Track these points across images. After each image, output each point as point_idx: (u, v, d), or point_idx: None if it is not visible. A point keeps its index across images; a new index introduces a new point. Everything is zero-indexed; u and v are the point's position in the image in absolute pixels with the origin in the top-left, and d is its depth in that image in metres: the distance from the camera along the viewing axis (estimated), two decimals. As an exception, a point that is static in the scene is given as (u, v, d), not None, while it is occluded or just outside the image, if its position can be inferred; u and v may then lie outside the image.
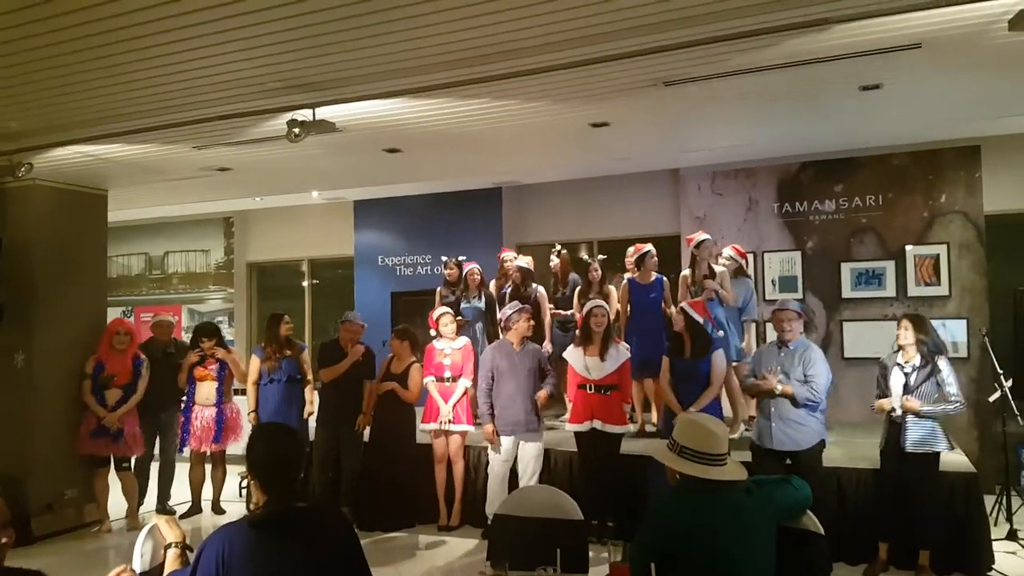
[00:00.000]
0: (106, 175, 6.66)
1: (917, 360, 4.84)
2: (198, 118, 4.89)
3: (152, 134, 5.26)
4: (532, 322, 5.88)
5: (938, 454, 4.79)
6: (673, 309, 6.15)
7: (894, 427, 4.85)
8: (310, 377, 6.62)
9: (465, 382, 6.07)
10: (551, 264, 7.31)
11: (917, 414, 4.72)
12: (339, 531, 2.37)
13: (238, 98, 4.57)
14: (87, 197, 7.01)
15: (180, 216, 10.32)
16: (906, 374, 4.84)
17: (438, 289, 7.39)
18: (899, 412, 4.80)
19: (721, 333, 5.82)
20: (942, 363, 4.80)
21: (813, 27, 3.58)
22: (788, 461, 4.90)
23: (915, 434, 4.74)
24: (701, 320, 5.29)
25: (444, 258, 7.43)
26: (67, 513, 6.50)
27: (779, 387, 4.90)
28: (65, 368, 6.49)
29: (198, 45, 3.74)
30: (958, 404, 4.72)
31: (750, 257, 7.69)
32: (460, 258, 7.28)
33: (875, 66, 4.24)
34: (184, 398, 6.70)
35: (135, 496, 6.60)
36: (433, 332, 6.34)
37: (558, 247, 7.41)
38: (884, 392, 4.95)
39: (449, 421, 6.00)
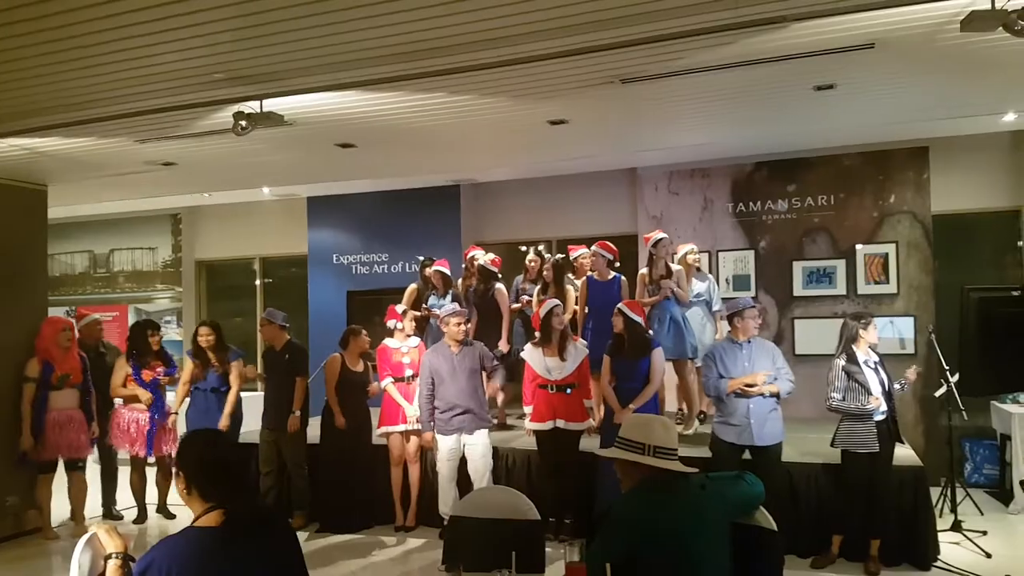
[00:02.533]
0: (44, 169, 6.39)
1: (875, 356, 5.00)
2: (139, 110, 4.69)
3: (91, 127, 5.04)
4: (465, 324, 5.80)
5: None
6: None
7: (882, 425, 4.88)
8: (235, 389, 6.41)
9: None
10: (528, 262, 7.20)
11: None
12: (286, 535, 2.30)
13: (181, 89, 4.38)
14: (24, 192, 6.73)
15: (126, 212, 10.00)
16: (873, 370, 4.95)
17: (409, 286, 7.26)
18: (884, 407, 4.89)
19: (650, 333, 5.83)
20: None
21: (769, 25, 3.58)
22: (747, 455, 4.95)
23: (897, 426, 4.96)
24: (639, 320, 5.36)
25: (420, 257, 7.30)
26: (6, 521, 6.23)
27: (767, 387, 4.92)
28: (6, 372, 6.21)
29: (138, 33, 3.57)
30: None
31: (704, 256, 7.78)
32: (432, 258, 7.16)
33: (829, 66, 4.28)
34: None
35: (84, 500, 6.40)
36: (395, 325, 6.20)
37: (540, 248, 7.35)
38: (859, 391, 4.88)
39: (417, 420, 5.89)
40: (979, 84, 4.89)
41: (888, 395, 4.91)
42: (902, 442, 5.07)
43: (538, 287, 6.83)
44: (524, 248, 7.43)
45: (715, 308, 6.54)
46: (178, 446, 2.30)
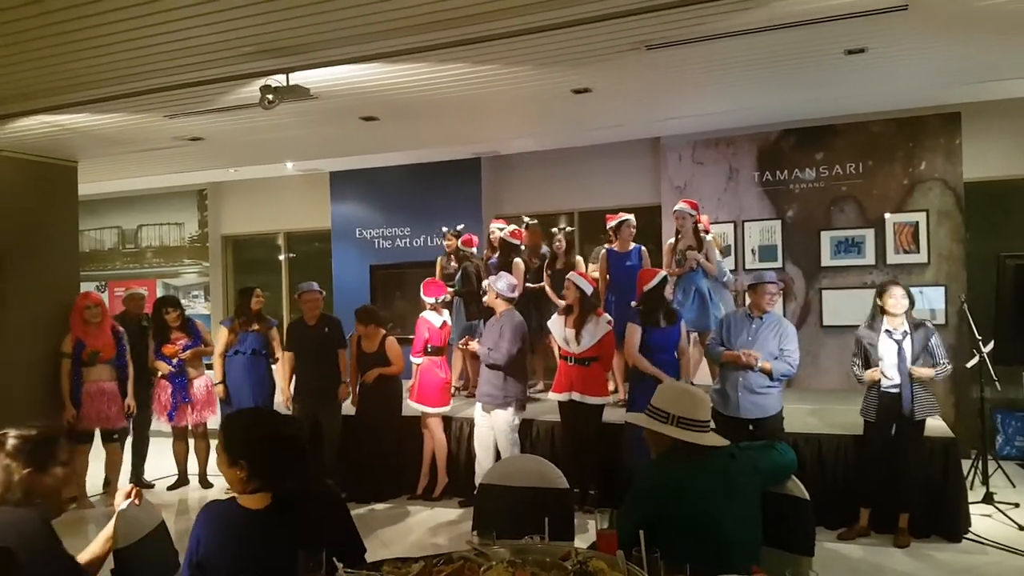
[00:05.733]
0: (75, 146, 6.47)
1: (906, 326, 4.86)
2: (168, 85, 4.73)
3: (121, 102, 5.09)
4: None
5: (924, 420, 4.88)
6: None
7: (885, 396, 4.85)
8: (278, 355, 6.57)
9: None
10: (554, 245, 7.15)
11: (922, 380, 4.77)
12: (335, 511, 2.29)
13: (209, 63, 4.41)
14: (56, 169, 6.81)
15: (153, 189, 10.09)
16: (897, 341, 4.84)
17: (439, 259, 7.32)
18: (896, 380, 4.80)
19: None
20: (931, 328, 4.90)
21: (799, -13, 3.51)
22: (751, 428, 4.95)
23: (922, 401, 4.80)
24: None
25: (444, 229, 7.27)
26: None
27: (758, 363, 4.90)
28: (39, 346, 6.34)
29: (166, 7, 3.59)
30: (948, 366, 4.86)
31: (731, 227, 7.71)
32: (458, 227, 7.16)
33: (861, 29, 4.19)
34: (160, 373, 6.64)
35: (119, 470, 6.56)
36: (438, 300, 6.24)
37: (527, 219, 7.30)
38: (869, 362, 4.94)
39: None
40: (1014, 47, 4.76)
41: (901, 368, 4.79)
42: (913, 419, 4.83)
43: (547, 259, 6.85)
44: (526, 221, 7.31)
45: (724, 278, 6.48)
46: (223, 424, 2.24)
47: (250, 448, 2.14)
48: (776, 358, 4.94)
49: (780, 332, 4.99)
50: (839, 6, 3.83)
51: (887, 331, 4.89)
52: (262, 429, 2.20)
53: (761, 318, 5.03)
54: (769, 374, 4.90)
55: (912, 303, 4.92)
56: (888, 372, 4.83)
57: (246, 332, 6.43)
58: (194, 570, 2.14)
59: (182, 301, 7.51)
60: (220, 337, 6.51)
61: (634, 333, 5.40)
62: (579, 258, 6.86)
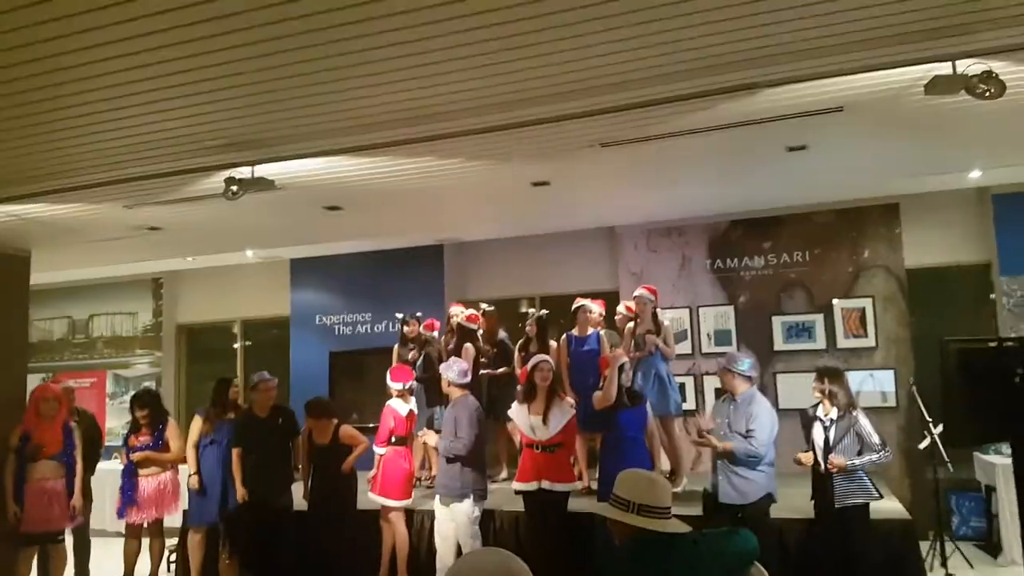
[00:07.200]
0: (29, 235, 6.38)
1: (834, 413, 4.91)
2: (130, 176, 4.76)
3: (80, 193, 5.08)
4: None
5: (867, 505, 4.85)
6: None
7: (821, 480, 4.91)
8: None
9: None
10: (527, 327, 7.16)
11: (843, 469, 4.76)
12: None
13: (173, 156, 4.47)
14: (8, 259, 6.70)
15: (107, 277, 9.95)
16: (825, 428, 4.91)
17: (395, 347, 7.20)
18: (822, 468, 4.85)
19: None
20: (859, 415, 4.88)
21: (742, 91, 3.75)
22: (740, 515, 4.89)
23: (842, 489, 4.80)
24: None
25: (399, 315, 7.22)
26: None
27: (719, 445, 4.92)
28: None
29: (132, 103, 3.65)
30: (883, 452, 4.80)
31: (686, 312, 7.88)
32: (417, 314, 7.14)
33: (801, 128, 4.46)
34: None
35: (62, 573, 6.19)
36: (403, 387, 6.14)
37: (484, 306, 7.37)
38: (810, 445, 5.02)
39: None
40: (945, 143, 5.11)
41: (825, 455, 4.83)
42: (834, 507, 4.84)
43: (519, 341, 6.87)
44: (483, 307, 7.30)
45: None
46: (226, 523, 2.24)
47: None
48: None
49: (748, 413, 4.97)
50: (779, 108, 4.09)
51: (818, 417, 4.97)
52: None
53: (736, 399, 5.04)
54: (731, 456, 4.90)
55: (838, 392, 4.91)
56: (819, 457, 4.89)
57: (222, 422, 6.24)
58: None
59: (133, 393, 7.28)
60: (194, 427, 6.26)
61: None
62: (552, 343, 6.90)
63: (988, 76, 3.41)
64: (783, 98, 3.94)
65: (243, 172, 4.61)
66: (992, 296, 7.25)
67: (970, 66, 3.46)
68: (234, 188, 4.52)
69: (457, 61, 3.32)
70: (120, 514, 6.35)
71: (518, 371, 6.62)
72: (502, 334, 7.18)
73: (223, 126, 4.01)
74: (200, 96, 3.60)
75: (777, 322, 7.67)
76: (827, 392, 4.92)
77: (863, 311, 7.42)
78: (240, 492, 5.94)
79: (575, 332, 6.57)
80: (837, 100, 4.01)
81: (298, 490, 6.06)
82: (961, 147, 5.27)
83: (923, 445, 5.81)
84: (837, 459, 4.76)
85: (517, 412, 5.64)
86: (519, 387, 5.78)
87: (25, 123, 3.88)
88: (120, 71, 3.30)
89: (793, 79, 3.64)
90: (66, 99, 3.59)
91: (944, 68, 3.52)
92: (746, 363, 5.04)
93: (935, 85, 3.56)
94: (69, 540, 6.35)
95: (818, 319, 7.55)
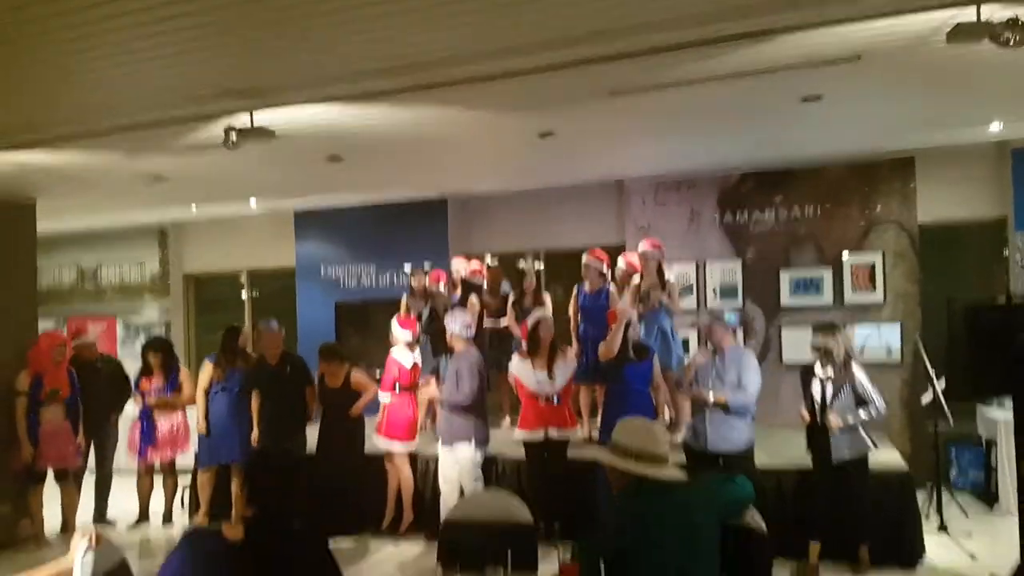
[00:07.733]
0: (33, 184, 6.36)
1: (830, 370, 4.98)
2: (130, 124, 4.69)
3: (81, 141, 5.04)
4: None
5: (866, 457, 4.97)
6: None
7: (817, 434, 4.98)
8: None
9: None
10: (524, 284, 7.16)
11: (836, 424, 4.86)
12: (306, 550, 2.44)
13: (172, 104, 4.39)
14: (13, 207, 6.69)
15: (114, 227, 9.94)
16: (822, 382, 4.99)
17: (404, 297, 7.21)
18: (818, 422, 4.93)
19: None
20: (856, 370, 4.96)
21: (757, 38, 3.62)
22: (721, 462, 4.98)
23: (840, 444, 4.89)
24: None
25: (408, 266, 7.21)
26: None
27: (711, 397, 4.98)
28: (-3, 385, 6.17)
29: (131, 49, 3.57)
30: (878, 408, 4.89)
31: (692, 267, 7.81)
32: (426, 264, 7.12)
33: (816, 78, 4.34)
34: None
35: (75, 509, 6.44)
36: (404, 335, 6.17)
37: (488, 258, 7.32)
38: (808, 400, 5.08)
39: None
40: (964, 95, 4.97)
41: (823, 411, 4.91)
42: (825, 459, 4.93)
43: (512, 298, 6.86)
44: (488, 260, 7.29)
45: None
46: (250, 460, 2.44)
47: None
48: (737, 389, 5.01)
49: (739, 365, 5.08)
50: (794, 56, 3.97)
51: (815, 373, 5.05)
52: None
53: (725, 353, 5.11)
54: (725, 407, 4.96)
55: (837, 348, 4.97)
56: (816, 412, 4.98)
57: (233, 369, 6.31)
58: None
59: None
60: (204, 373, 6.35)
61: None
62: (546, 295, 6.88)
63: (1014, 23, 3.27)
64: (800, 46, 3.81)
65: (242, 121, 4.53)
66: (1006, 253, 7.16)
67: (995, 12, 3.32)
68: (233, 137, 4.46)
69: (460, 4, 3.19)
70: (141, 452, 6.61)
71: (510, 324, 6.64)
72: (506, 287, 7.16)
73: (219, 72, 3.92)
74: (193, 43, 3.50)
75: (785, 277, 7.60)
76: (823, 348, 5.00)
77: (872, 266, 7.33)
78: (254, 435, 6.06)
79: (586, 288, 6.54)
80: (854, 48, 3.87)
81: (312, 436, 6.17)
82: (982, 99, 5.13)
83: (925, 400, 5.83)
84: (833, 419, 4.85)
85: (520, 367, 5.68)
86: (522, 341, 5.80)
87: (19, 68, 3.80)
88: (118, 15, 3.19)
89: (809, 25, 3.51)
90: (64, 45, 3.50)
91: (969, 14, 3.38)
92: (732, 317, 5.24)
93: (958, 33, 3.42)
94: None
95: (826, 274, 7.47)
